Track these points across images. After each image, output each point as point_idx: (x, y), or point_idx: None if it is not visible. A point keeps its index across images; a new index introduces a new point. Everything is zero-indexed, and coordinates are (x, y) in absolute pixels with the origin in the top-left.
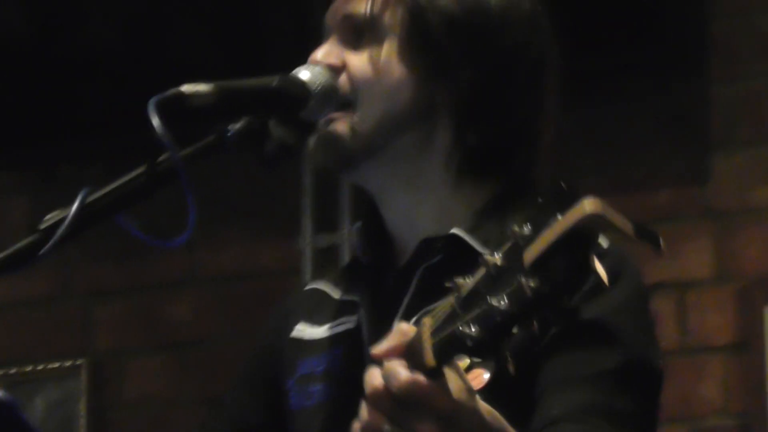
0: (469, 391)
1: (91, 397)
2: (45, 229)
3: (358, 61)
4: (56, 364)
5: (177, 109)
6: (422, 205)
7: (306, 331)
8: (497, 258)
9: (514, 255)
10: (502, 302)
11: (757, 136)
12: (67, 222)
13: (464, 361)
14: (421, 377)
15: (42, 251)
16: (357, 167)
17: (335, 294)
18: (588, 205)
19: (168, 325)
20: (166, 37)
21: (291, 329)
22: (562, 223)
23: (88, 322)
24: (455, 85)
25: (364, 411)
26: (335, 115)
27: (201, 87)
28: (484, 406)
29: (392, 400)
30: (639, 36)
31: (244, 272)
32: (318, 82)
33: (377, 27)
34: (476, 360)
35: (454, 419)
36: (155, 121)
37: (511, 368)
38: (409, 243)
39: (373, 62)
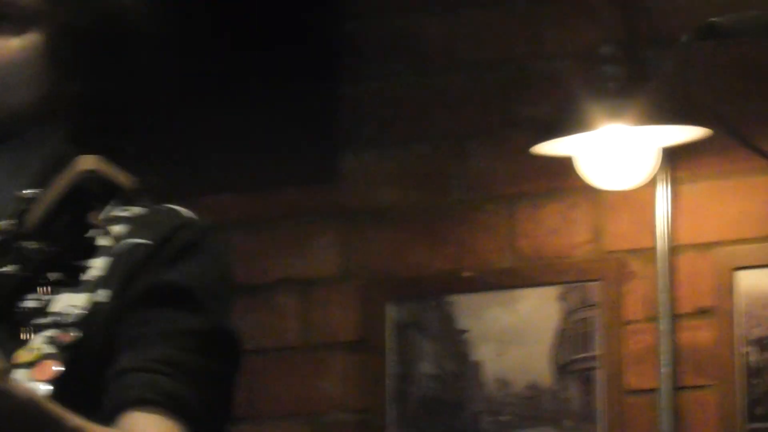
0: None
1: None
2: None
3: None
4: None
5: None
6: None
7: None
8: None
9: (16, 219)
10: (8, 268)
11: (383, 136)
12: None
13: (33, 353)
14: None
15: None
16: None
17: None
18: (82, 162)
19: None
20: None
21: None
22: (60, 182)
23: None
24: (85, 91)
25: None
26: None
27: None
28: (22, 386)
29: None
30: (270, 35)
31: None
32: None
33: (20, 17)
34: (49, 351)
35: None
36: None
37: (23, 336)
38: None
39: (13, 51)
